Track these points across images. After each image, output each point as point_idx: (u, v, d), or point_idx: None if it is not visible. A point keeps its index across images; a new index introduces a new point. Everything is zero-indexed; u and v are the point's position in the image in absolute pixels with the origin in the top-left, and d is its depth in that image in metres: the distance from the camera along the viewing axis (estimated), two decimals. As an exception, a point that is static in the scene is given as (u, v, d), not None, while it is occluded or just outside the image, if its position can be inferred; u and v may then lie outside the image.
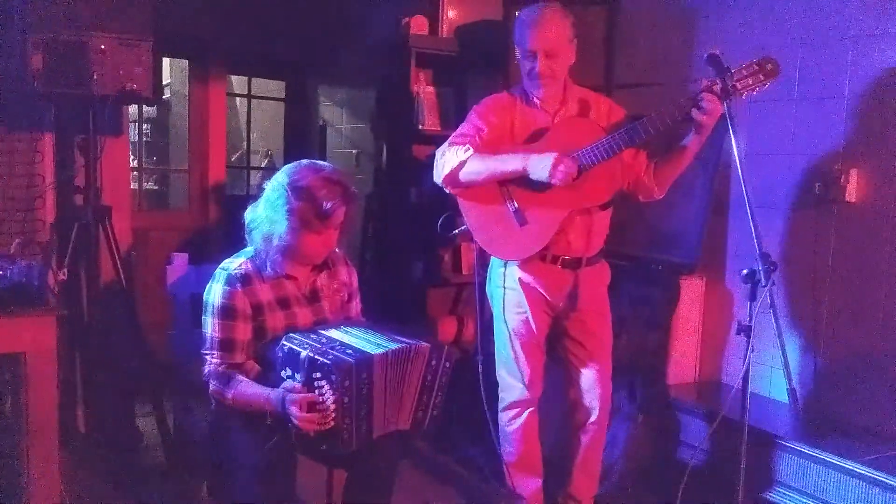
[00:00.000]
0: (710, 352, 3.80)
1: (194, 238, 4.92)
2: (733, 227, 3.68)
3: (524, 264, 2.96)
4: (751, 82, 2.55)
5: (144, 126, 5.88)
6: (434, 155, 2.99)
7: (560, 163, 2.68)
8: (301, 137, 5.80)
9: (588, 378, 3.07)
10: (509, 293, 3.01)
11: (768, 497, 3.15)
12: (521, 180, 2.82)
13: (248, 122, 6.06)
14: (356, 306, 2.73)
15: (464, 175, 2.86)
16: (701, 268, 3.72)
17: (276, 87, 6.10)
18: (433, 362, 2.37)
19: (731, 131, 2.45)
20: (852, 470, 2.87)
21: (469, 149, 2.83)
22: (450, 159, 2.86)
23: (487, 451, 3.58)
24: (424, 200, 4.27)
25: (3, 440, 2.73)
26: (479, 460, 3.76)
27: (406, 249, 4.34)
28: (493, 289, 3.09)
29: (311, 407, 2.19)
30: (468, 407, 3.74)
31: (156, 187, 6.20)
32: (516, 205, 2.86)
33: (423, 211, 4.26)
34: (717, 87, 2.56)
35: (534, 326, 3.00)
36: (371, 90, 4.86)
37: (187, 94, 5.22)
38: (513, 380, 3.08)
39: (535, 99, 2.92)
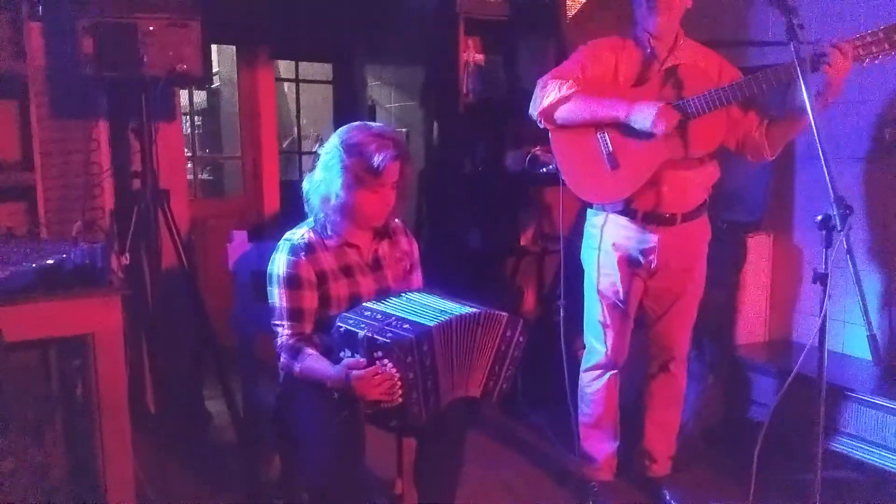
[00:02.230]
0: (779, 310, 3.71)
1: (251, 224, 4.94)
2: (801, 181, 3.57)
3: (616, 225, 2.90)
4: (874, 50, 2.45)
5: (196, 118, 5.92)
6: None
7: (665, 113, 2.62)
8: (350, 119, 5.75)
9: (663, 329, 3.04)
10: (601, 255, 2.96)
11: (841, 450, 3.07)
12: (618, 125, 2.76)
13: (298, 106, 6.07)
14: (418, 278, 2.70)
15: (562, 112, 2.80)
16: (768, 224, 3.63)
17: (323, 71, 6.09)
18: (508, 333, 2.35)
19: (801, 79, 2.32)
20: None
21: (572, 85, 2.77)
22: (550, 92, 2.80)
23: (555, 418, 3.55)
24: (479, 171, 4.22)
25: (76, 424, 2.77)
26: (546, 427, 3.74)
27: (463, 222, 4.29)
28: (586, 250, 3.04)
29: (375, 377, 2.17)
30: (535, 374, 3.73)
31: (210, 178, 6.24)
32: (611, 147, 2.79)
33: (479, 181, 4.23)
34: (841, 47, 2.44)
35: (623, 289, 2.94)
36: (419, 66, 4.81)
37: (236, 81, 5.23)
38: (597, 343, 3.05)
39: (646, 41, 2.81)
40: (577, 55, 2.87)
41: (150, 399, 3.54)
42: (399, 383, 2.16)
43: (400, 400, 2.18)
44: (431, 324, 2.21)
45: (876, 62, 2.47)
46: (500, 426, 3.88)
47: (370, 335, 2.19)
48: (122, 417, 2.54)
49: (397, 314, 2.28)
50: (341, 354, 2.28)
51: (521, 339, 2.37)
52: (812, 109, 2.23)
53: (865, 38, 2.45)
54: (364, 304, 2.40)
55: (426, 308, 2.31)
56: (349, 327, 2.26)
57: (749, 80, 2.59)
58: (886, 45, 2.44)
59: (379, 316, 2.28)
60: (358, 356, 2.22)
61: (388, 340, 2.15)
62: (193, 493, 3.14)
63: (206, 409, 3.78)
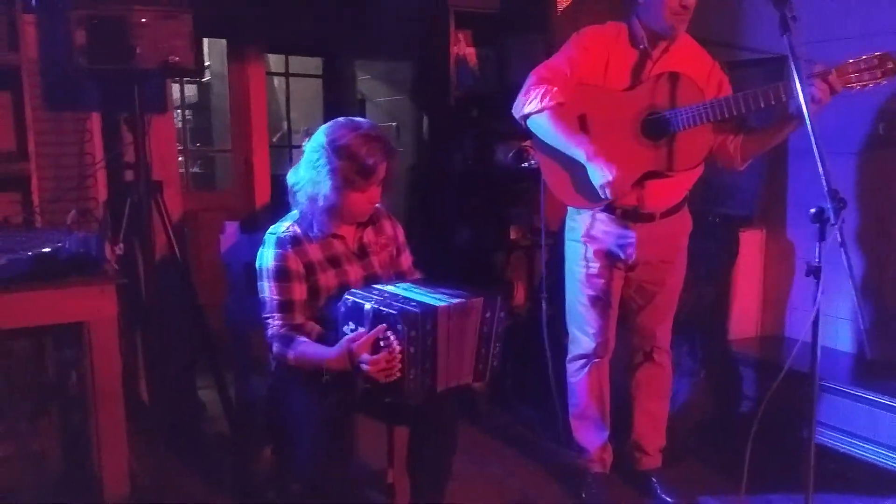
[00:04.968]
0: (771, 305, 3.74)
1: (242, 217, 4.93)
2: (794, 176, 3.60)
3: (596, 220, 2.91)
4: (867, 77, 2.44)
5: (187, 112, 5.90)
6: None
7: (617, 183, 2.61)
8: (340, 114, 5.74)
9: (644, 320, 3.06)
10: (581, 248, 2.97)
11: (831, 444, 3.10)
12: (603, 128, 2.75)
13: (288, 100, 6.05)
14: (407, 259, 2.72)
15: (534, 125, 2.80)
16: (760, 219, 3.65)
17: (313, 64, 6.08)
18: (487, 314, 2.35)
19: (795, 75, 2.32)
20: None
21: (554, 97, 2.72)
22: (532, 100, 2.76)
23: (545, 412, 3.57)
24: (469, 165, 4.23)
25: (71, 414, 2.77)
26: (537, 421, 3.76)
27: (453, 217, 4.30)
28: (567, 242, 3.05)
29: (376, 348, 2.18)
30: (525, 368, 3.74)
31: (201, 171, 6.23)
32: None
33: (469, 176, 4.23)
34: (831, 76, 2.44)
35: (603, 281, 2.95)
36: (408, 61, 4.81)
37: (226, 75, 5.22)
38: (580, 333, 3.06)
39: (641, 38, 2.77)
40: (568, 48, 2.84)
41: (143, 389, 3.54)
42: (399, 356, 2.17)
43: (398, 374, 2.19)
44: (438, 304, 2.23)
45: (866, 89, 2.47)
46: (490, 420, 3.89)
47: (377, 307, 2.21)
48: (117, 407, 2.54)
49: (403, 295, 2.31)
50: (345, 328, 2.29)
51: (501, 314, 2.38)
52: (807, 105, 2.23)
53: (859, 64, 2.44)
54: (373, 285, 2.42)
55: (431, 293, 2.33)
56: (356, 300, 2.28)
57: (740, 98, 2.58)
58: (879, 73, 2.43)
59: (386, 294, 2.32)
60: (362, 329, 2.23)
61: (394, 311, 2.17)
62: (186, 483, 3.14)
63: (199, 399, 3.78)
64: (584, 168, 2.74)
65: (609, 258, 2.94)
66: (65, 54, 3.09)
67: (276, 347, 2.40)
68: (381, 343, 2.18)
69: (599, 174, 2.63)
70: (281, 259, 2.42)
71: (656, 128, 2.72)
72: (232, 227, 3.03)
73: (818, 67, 2.49)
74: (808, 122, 2.22)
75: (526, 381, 3.88)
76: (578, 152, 2.69)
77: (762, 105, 2.56)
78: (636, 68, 2.81)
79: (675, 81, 2.73)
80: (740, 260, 3.64)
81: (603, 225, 2.91)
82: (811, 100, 2.42)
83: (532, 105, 2.76)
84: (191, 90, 5.96)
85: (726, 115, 2.62)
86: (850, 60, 2.46)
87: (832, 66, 2.46)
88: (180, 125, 5.30)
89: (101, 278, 2.48)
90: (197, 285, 3.54)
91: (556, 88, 2.74)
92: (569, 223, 3.04)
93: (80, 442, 2.63)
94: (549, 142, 2.79)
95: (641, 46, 2.79)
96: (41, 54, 3.26)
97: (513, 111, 2.87)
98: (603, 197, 2.66)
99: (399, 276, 2.64)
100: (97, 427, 2.53)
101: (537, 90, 2.76)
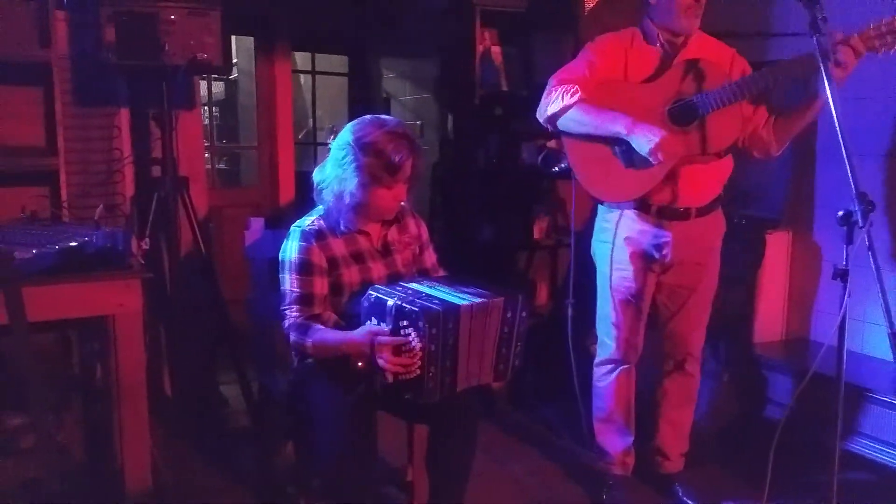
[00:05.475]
0: (797, 308, 3.69)
1: (266, 214, 4.96)
2: (822, 177, 3.55)
3: (630, 220, 2.88)
4: (890, 40, 2.41)
5: (214, 108, 5.94)
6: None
7: (666, 144, 2.58)
8: (365, 111, 5.76)
9: (677, 326, 3.01)
10: (614, 250, 2.93)
11: (858, 451, 3.06)
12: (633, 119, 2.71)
13: (313, 98, 6.08)
14: (430, 257, 2.72)
15: (565, 122, 2.78)
16: (787, 221, 3.61)
17: (339, 63, 6.10)
18: (509, 314, 2.34)
19: (824, 73, 2.29)
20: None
21: (577, 92, 2.72)
22: (554, 100, 2.76)
23: (566, 413, 3.56)
24: (493, 163, 4.23)
25: (95, 407, 2.80)
26: (557, 422, 3.75)
27: (476, 215, 4.30)
28: (598, 244, 3.01)
29: (398, 351, 2.18)
30: (546, 368, 3.73)
31: (227, 167, 6.27)
32: (625, 144, 2.72)
33: (492, 174, 4.23)
34: (854, 39, 2.42)
35: (635, 285, 2.92)
36: (433, 60, 4.81)
37: (253, 72, 5.26)
38: (608, 338, 3.03)
39: (657, 37, 2.77)
40: (585, 53, 2.83)
41: (166, 383, 3.57)
42: (420, 354, 2.17)
43: (418, 372, 2.19)
44: (460, 303, 2.22)
45: (892, 52, 2.43)
46: (510, 420, 3.88)
47: (399, 303, 2.21)
48: (141, 400, 2.56)
49: (427, 292, 2.31)
50: (367, 324, 2.29)
51: (523, 314, 2.37)
52: (833, 103, 2.21)
53: (881, 27, 2.41)
54: (399, 282, 2.42)
55: (454, 292, 2.32)
56: (379, 296, 2.28)
57: (766, 73, 2.56)
58: None
59: (410, 291, 2.31)
60: (384, 325, 2.23)
61: (416, 309, 2.17)
62: (208, 477, 3.17)
63: (221, 394, 3.80)
64: (618, 159, 2.74)
65: (643, 260, 2.90)
66: (94, 50, 3.14)
67: (293, 336, 2.41)
68: (403, 348, 2.18)
69: (645, 140, 2.60)
70: (304, 252, 2.43)
71: (684, 114, 2.69)
72: (257, 223, 3.05)
73: (839, 36, 2.45)
74: (836, 123, 2.18)
75: (547, 381, 3.87)
76: (618, 128, 2.67)
77: (789, 77, 2.54)
78: (659, 67, 2.79)
79: (698, 67, 2.70)
80: (766, 262, 3.61)
81: (637, 224, 2.87)
82: (836, 64, 2.40)
83: (555, 105, 2.76)
84: (218, 87, 6.00)
85: (754, 92, 2.60)
86: (872, 25, 2.43)
87: (854, 33, 2.43)
88: (207, 122, 5.34)
89: (127, 273, 2.50)
90: (221, 281, 3.56)
91: (577, 86, 2.73)
92: (600, 224, 3.00)
93: (103, 435, 2.65)
94: (584, 131, 2.76)
95: (657, 45, 2.79)
96: (71, 50, 3.31)
97: (537, 116, 2.85)
98: (654, 162, 2.61)
99: (422, 274, 2.65)
100: (120, 420, 2.55)
101: (558, 90, 2.76)
